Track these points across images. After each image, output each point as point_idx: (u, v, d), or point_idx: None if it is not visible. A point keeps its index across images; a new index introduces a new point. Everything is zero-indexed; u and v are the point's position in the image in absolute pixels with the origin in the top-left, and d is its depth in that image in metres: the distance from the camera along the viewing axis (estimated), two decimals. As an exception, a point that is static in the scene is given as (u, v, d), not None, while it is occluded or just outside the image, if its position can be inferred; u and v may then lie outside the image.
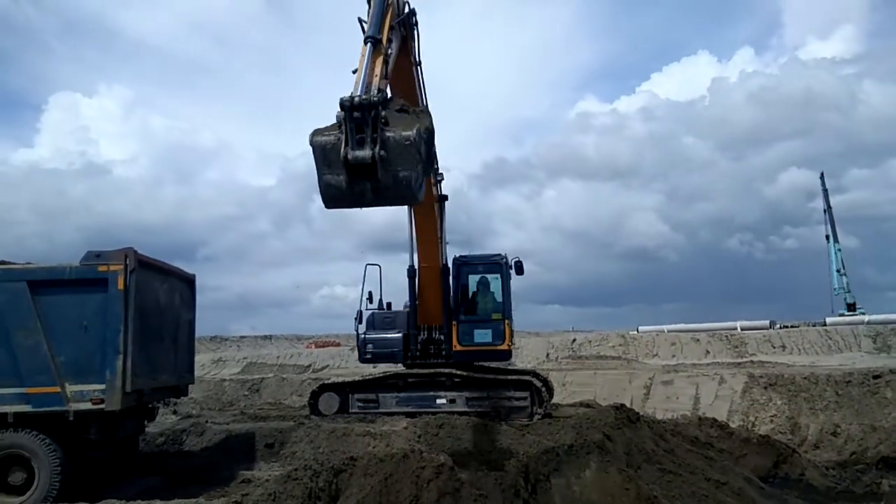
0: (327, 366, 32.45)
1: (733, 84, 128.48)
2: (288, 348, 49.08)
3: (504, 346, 13.08)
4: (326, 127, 6.11)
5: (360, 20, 7.50)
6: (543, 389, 13.02)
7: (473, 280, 13.81)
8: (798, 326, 34.81)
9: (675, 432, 12.27)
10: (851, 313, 42.98)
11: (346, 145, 5.85)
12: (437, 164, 12.92)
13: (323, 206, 6.28)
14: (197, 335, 11.30)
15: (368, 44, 6.98)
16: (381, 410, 13.15)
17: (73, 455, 8.45)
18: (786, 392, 16.72)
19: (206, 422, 12.75)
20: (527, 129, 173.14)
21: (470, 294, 13.73)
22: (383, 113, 5.95)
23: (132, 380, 8.33)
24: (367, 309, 13.77)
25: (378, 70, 6.78)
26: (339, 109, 5.95)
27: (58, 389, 8.25)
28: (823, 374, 17.34)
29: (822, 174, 50.42)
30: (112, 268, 8.41)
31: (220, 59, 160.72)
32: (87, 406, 8.26)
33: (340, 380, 14.20)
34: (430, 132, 6.49)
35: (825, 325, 34.44)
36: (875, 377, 16.49)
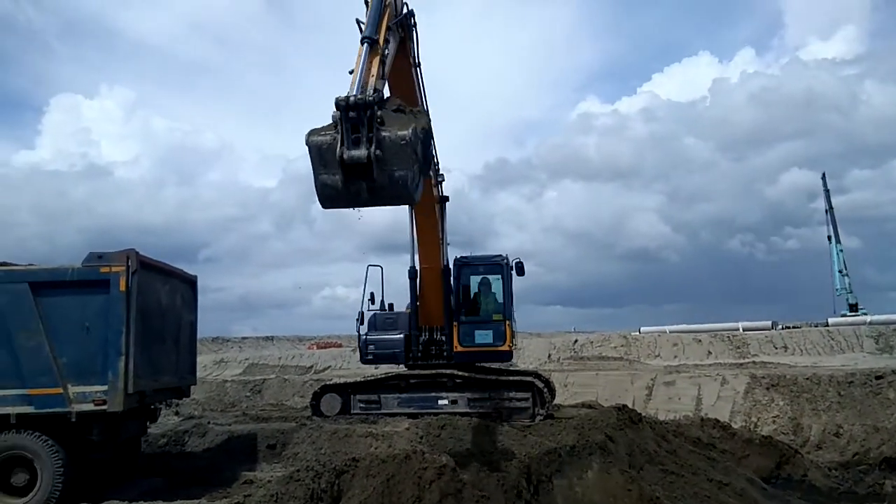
0: (329, 367, 32.45)
1: (734, 85, 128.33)
2: (290, 349, 49.06)
3: (505, 347, 13.07)
4: (323, 127, 6.13)
5: (357, 21, 7.52)
6: (545, 390, 13.01)
7: (474, 281, 13.80)
8: (800, 327, 34.79)
9: (678, 433, 12.27)
10: (853, 314, 42.95)
11: (342, 145, 5.87)
12: (438, 165, 12.94)
13: (320, 206, 6.31)
14: (199, 336, 11.31)
15: (365, 44, 7.01)
16: (382, 411, 13.15)
17: (75, 456, 8.45)
18: (788, 393, 16.71)
19: (208, 423, 12.76)
20: (528, 129, 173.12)
21: (471, 295, 13.72)
22: (379, 113, 5.96)
23: (134, 381, 8.33)
24: (368, 310, 13.79)
25: (374, 70, 6.80)
26: (334, 109, 5.97)
27: (60, 391, 8.25)
28: (826, 375, 17.32)
29: (824, 175, 50.48)
30: (114, 269, 8.41)
31: (221, 60, 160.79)
32: (90, 407, 8.26)
33: (342, 381, 14.20)
34: (427, 132, 6.50)
35: (827, 325, 34.39)
36: (877, 378, 16.48)
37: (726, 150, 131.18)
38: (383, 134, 5.90)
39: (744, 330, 33.27)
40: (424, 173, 6.62)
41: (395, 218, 14.17)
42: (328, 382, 14.54)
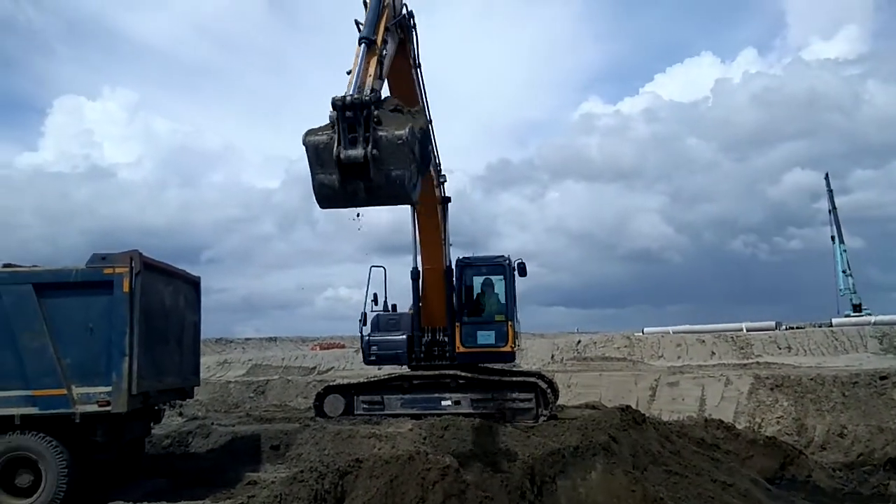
0: (332, 367, 32.49)
1: (737, 85, 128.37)
2: (293, 350, 49.13)
3: (507, 348, 13.06)
4: (320, 127, 6.13)
5: (356, 22, 7.54)
6: (549, 391, 13.00)
7: (477, 282, 13.80)
8: (804, 327, 34.73)
9: (681, 434, 12.25)
10: (857, 314, 42.88)
11: (339, 144, 5.87)
12: (440, 165, 12.95)
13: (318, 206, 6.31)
14: (202, 337, 11.30)
15: (362, 44, 7.02)
16: (386, 412, 13.15)
17: (79, 457, 8.45)
18: (792, 393, 16.67)
19: (212, 424, 12.77)
20: (530, 130, 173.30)
21: (473, 296, 13.72)
22: (376, 112, 5.96)
23: (138, 382, 8.33)
24: (371, 311, 13.80)
25: (372, 70, 6.81)
26: (331, 109, 5.98)
27: (64, 392, 8.26)
28: (830, 376, 17.27)
29: (827, 175, 50.43)
30: (117, 270, 8.42)
31: (224, 61, 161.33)
32: (94, 408, 8.26)
33: (346, 382, 14.20)
34: (425, 132, 6.50)
35: (831, 326, 34.35)
36: (882, 378, 16.43)
37: (729, 150, 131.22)
38: (380, 133, 5.90)
39: (747, 330, 33.26)
40: (422, 173, 6.61)
41: (397, 219, 14.20)
42: (331, 383, 14.55)
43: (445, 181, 13.42)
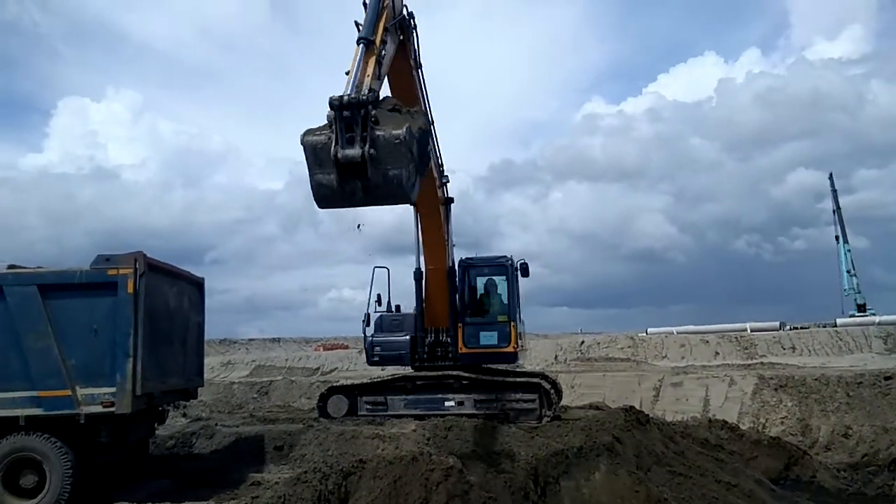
0: (336, 368, 32.52)
1: (740, 85, 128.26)
2: (296, 351, 49.21)
3: (509, 349, 13.02)
4: (318, 127, 6.14)
5: (356, 23, 7.55)
6: (552, 391, 12.97)
7: (479, 282, 13.78)
8: (808, 327, 34.63)
9: (685, 434, 12.24)
10: (862, 314, 42.73)
11: (336, 144, 5.87)
12: (442, 166, 12.95)
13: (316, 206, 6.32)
14: (206, 338, 11.32)
15: (361, 45, 7.03)
16: (389, 413, 13.14)
17: (83, 458, 8.47)
18: (796, 394, 16.63)
19: (216, 424, 12.77)
20: (533, 131, 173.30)
21: (476, 296, 13.70)
22: (373, 112, 5.96)
23: (142, 383, 8.35)
24: (375, 312, 13.79)
25: (370, 70, 6.82)
26: (329, 109, 5.98)
27: (68, 393, 8.27)
28: (834, 376, 17.23)
29: (831, 175, 50.39)
30: (122, 271, 8.43)
31: (227, 63, 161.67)
32: (98, 409, 8.27)
33: (349, 382, 14.19)
34: (423, 132, 6.51)
35: (835, 326, 34.24)
36: (886, 378, 16.39)
37: (732, 150, 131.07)
38: (377, 133, 5.90)
39: (751, 331, 33.17)
40: (421, 173, 6.61)
41: (401, 220, 14.20)
42: (335, 384, 14.54)
43: (448, 182, 13.41)
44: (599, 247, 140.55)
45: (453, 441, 10.47)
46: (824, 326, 34.82)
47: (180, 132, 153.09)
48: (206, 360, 12.75)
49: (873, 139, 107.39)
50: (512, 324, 13.05)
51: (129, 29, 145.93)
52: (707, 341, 28.81)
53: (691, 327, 37.48)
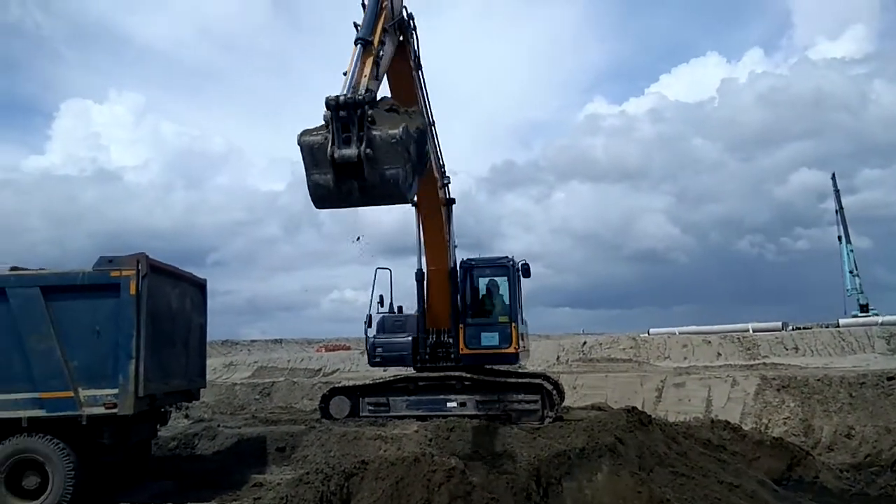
0: (338, 369, 32.55)
1: (743, 85, 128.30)
2: (298, 352, 49.24)
3: (511, 350, 13.01)
4: (315, 127, 6.15)
5: (355, 24, 7.56)
6: (554, 392, 12.96)
7: (481, 283, 13.77)
8: (811, 328, 34.58)
9: (688, 435, 12.22)
10: (864, 314, 42.67)
11: (333, 144, 5.87)
12: (444, 167, 12.94)
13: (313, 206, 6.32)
14: (208, 339, 11.32)
15: (358, 45, 7.03)
16: (391, 414, 13.14)
17: (86, 459, 8.48)
18: (799, 394, 16.61)
19: (218, 426, 12.78)
20: (535, 131, 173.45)
21: (478, 297, 13.69)
22: (370, 112, 5.96)
23: (144, 384, 8.35)
24: (377, 312, 13.79)
25: (367, 71, 6.82)
26: (325, 109, 5.98)
27: (71, 394, 8.28)
28: (837, 376, 17.21)
29: (834, 175, 50.26)
30: (124, 273, 8.44)
31: (229, 64, 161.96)
32: (100, 410, 8.28)
33: (351, 383, 14.20)
34: (421, 132, 6.50)
35: (838, 326, 34.18)
36: (889, 379, 16.36)
37: (735, 150, 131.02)
38: (374, 133, 5.90)
39: (754, 331, 33.15)
40: (419, 173, 6.60)
41: (402, 221, 14.20)
42: (337, 385, 14.54)
43: (449, 182, 13.41)
44: (602, 247, 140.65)
45: (455, 442, 10.48)
46: (827, 327, 34.77)
47: (182, 134, 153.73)
48: (209, 362, 12.76)
49: (876, 139, 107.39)
50: (513, 325, 13.04)
51: (132, 31, 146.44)
52: (709, 342, 28.77)
53: (694, 328, 37.44)
